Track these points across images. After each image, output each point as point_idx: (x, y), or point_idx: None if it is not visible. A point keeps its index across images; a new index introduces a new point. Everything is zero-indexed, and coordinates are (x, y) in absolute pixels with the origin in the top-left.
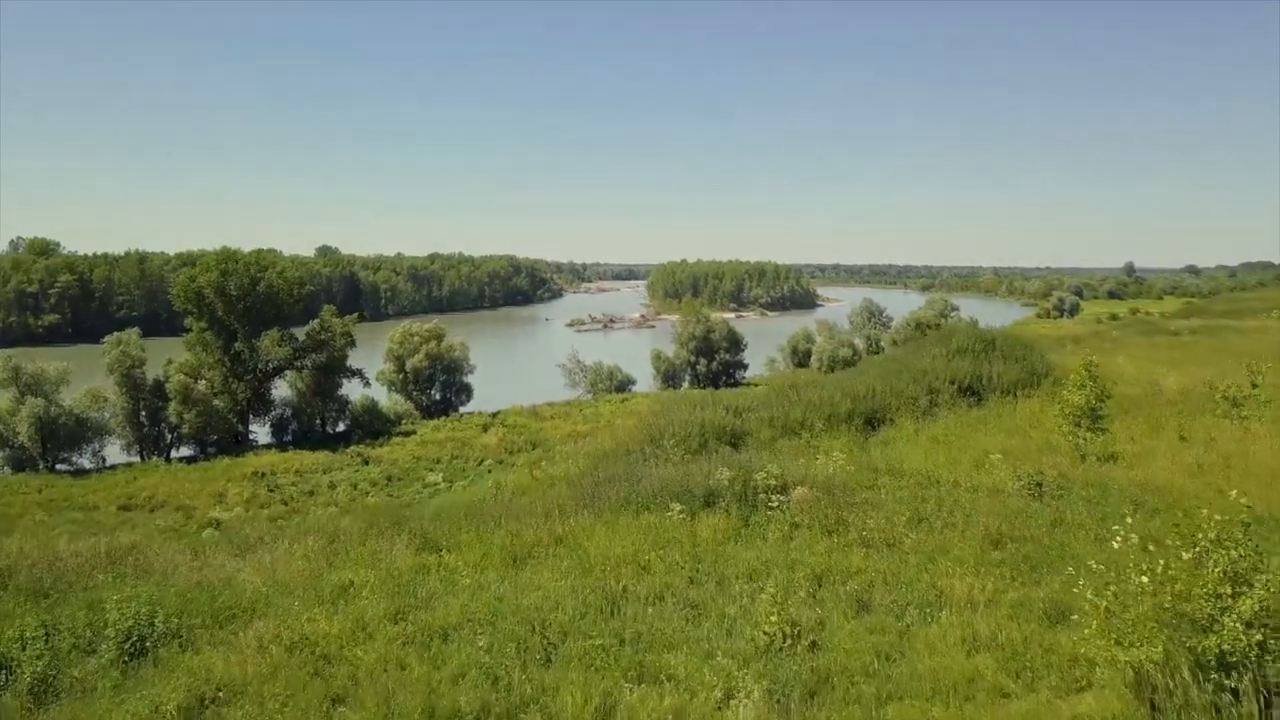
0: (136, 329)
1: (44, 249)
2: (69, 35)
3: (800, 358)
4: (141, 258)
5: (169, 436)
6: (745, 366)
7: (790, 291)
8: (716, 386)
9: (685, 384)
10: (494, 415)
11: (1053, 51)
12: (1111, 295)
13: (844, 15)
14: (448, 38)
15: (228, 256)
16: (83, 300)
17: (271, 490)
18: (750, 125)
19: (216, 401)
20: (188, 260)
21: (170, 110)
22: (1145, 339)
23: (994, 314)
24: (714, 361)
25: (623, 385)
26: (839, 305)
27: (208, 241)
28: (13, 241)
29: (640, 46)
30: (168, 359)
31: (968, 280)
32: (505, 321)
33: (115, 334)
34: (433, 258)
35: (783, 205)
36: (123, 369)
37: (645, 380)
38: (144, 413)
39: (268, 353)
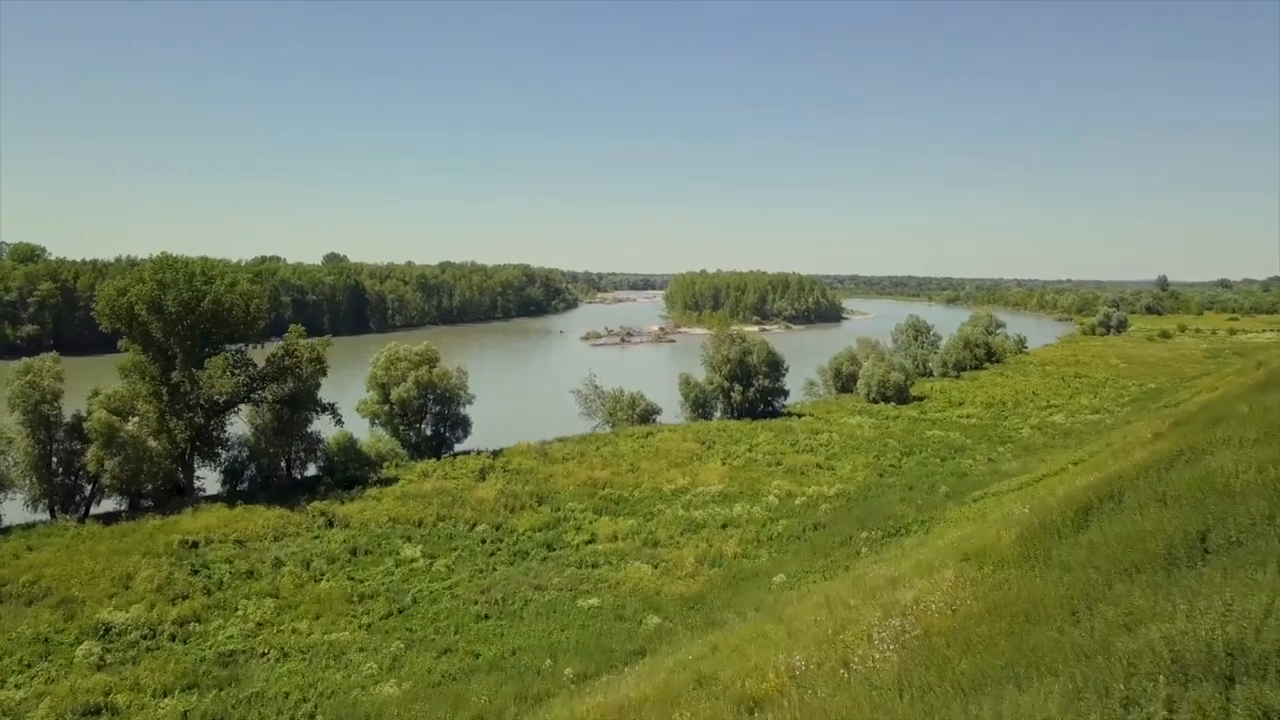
0: (54, 352)
1: (27, 254)
2: (70, 35)
3: (844, 381)
4: (131, 264)
5: (88, 488)
6: (786, 394)
7: (815, 304)
8: (754, 416)
9: (718, 413)
10: (495, 455)
11: (1068, 60)
12: (1149, 310)
13: (850, 19)
14: (457, 44)
15: (165, 264)
16: (66, 310)
17: (195, 571)
18: (764, 135)
19: (152, 443)
20: None
21: (171, 113)
22: None
23: (1030, 328)
24: (751, 388)
25: (646, 415)
26: (866, 318)
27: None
28: None
29: (651, 59)
30: (93, 389)
31: (992, 293)
32: (518, 334)
33: (24, 359)
34: (443, 266)
35: (797, 216)
36: (28, 404)
37: (670, 407)
38: (56, 458)
39: (211, 383)
